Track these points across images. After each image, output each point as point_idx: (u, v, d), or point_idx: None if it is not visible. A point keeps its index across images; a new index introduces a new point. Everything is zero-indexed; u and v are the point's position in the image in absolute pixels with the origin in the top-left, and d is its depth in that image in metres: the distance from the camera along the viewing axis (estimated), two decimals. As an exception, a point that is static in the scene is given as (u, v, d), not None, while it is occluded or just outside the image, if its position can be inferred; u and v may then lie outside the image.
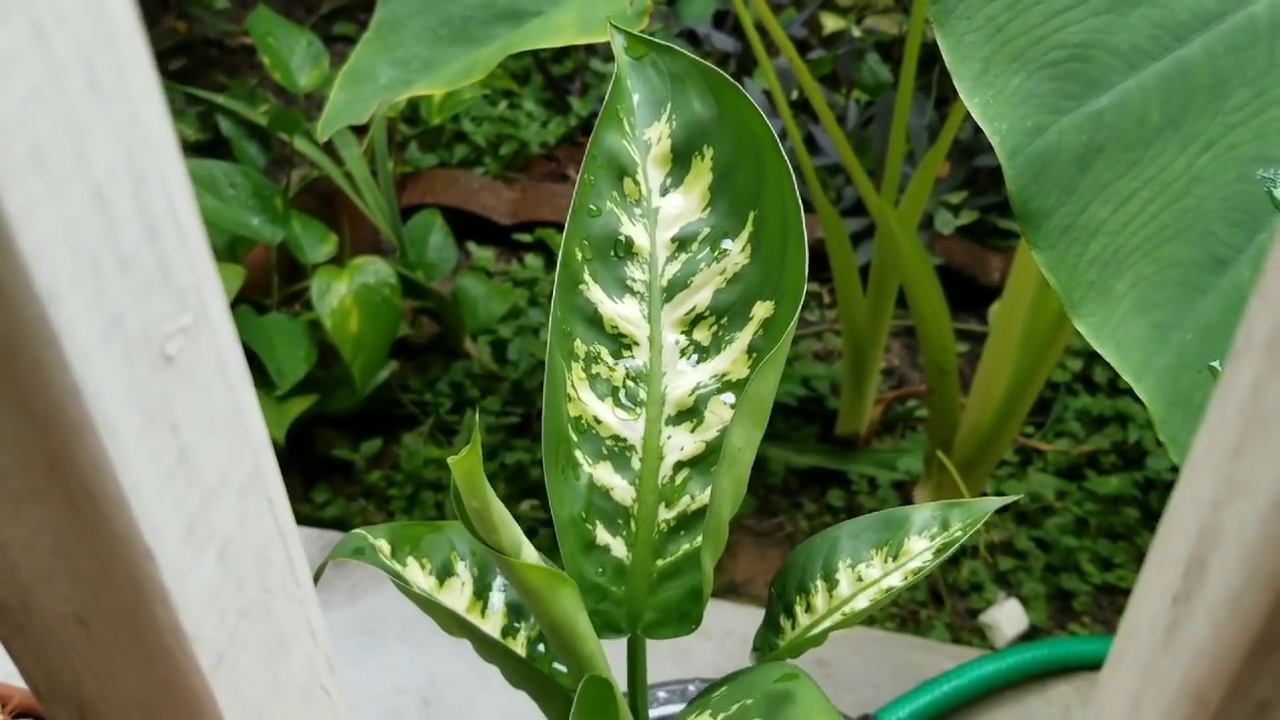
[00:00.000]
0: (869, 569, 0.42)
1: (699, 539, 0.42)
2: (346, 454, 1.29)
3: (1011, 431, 1.18)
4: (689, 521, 0.43)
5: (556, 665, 0.45)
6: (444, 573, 0.46)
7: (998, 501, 0.43)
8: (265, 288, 1.34)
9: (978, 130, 1.61)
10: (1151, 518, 1.23)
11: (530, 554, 0.37)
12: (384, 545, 0.45)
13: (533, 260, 1.51)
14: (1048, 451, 1.30)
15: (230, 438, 0.20)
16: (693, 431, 0.43)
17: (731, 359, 0.43)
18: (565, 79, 1.77)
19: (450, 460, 0.33)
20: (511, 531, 0.36)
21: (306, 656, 0.24)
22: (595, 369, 0.44)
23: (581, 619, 0.39)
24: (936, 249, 1.48)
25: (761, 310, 0.43)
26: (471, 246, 1.55)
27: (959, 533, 0.41)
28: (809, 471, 1.31)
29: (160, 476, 0.18)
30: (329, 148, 1.46)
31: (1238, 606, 0.16)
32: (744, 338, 0.43)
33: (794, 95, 1.57)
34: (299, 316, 1.30)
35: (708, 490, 0.43)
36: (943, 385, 1.20)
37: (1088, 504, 1.23)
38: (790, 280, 0.42)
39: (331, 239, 1.32)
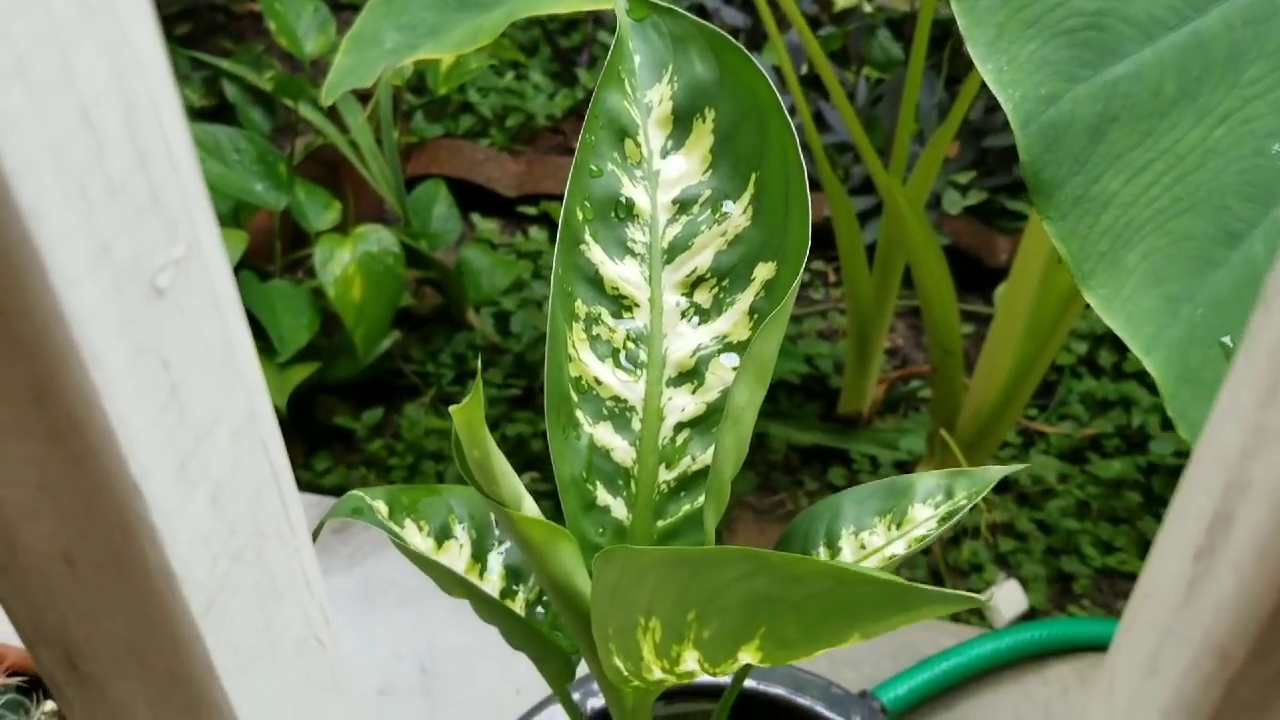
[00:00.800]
0: (872, 536, 0.42)
1: (699, 500, 0.42)
2: (348, 422, 1.29)
3: (1015, 413, 1.17)
4: (690, 483, 0.42)
5: (557, 632, 0.45)
6: (442, 535, 0.46)
7: (1002, 471, 0.43)
8: (268, 254, 1.34)
9: (988, 110, 1.60)
10: (1154, 502, 1.23)
11: (531, 508, 0.36)
12: (381, 506, 0.45)
13: (537, 233, 1.50)
14: (1050, 434, 1.29)
15: (223, 376, 0.20)
16: (694, 393, 0.43)
17: (733, 320, 0.43)
18: (573, 51, 1.76)
19: (452, 409, 0.33)
20: (512, 484, 0.36)
21: (301, 607, 0.24)
22: (596, 330, 0.43)
23: (581, 576, 0.39)
24: (944, 229, 1.47)
25: (763, 272, 0.42)
26: (476, 218, 1.54)
27: (963, 501, 0.41)
28: (811, 449, 1.30)
29: (150, 412, 0.18)
30: (334, 116, 1.45)
31: (1265, 558, 0.15)
32: (745, 299, 0.43)
33: (803, 71, 1.55)
34: (302, 284, 1.30)
35: (709, 452, 0.42)
36: (946, 366, 1.20)
37: (1090, 487, 1.23)
38: (792, 242, 0.42)
39: (335, 207, 1.32)
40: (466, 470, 0.36)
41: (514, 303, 1.40)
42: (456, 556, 0.45)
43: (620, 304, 0.44)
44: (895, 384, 1.37)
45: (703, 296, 0.44)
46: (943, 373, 1.20)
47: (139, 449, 0.18)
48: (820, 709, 0.58)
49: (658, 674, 0.36)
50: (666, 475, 0.43)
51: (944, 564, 1.18)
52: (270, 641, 0.23)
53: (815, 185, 1.49)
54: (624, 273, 0.44)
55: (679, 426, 0.43)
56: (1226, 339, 0.43)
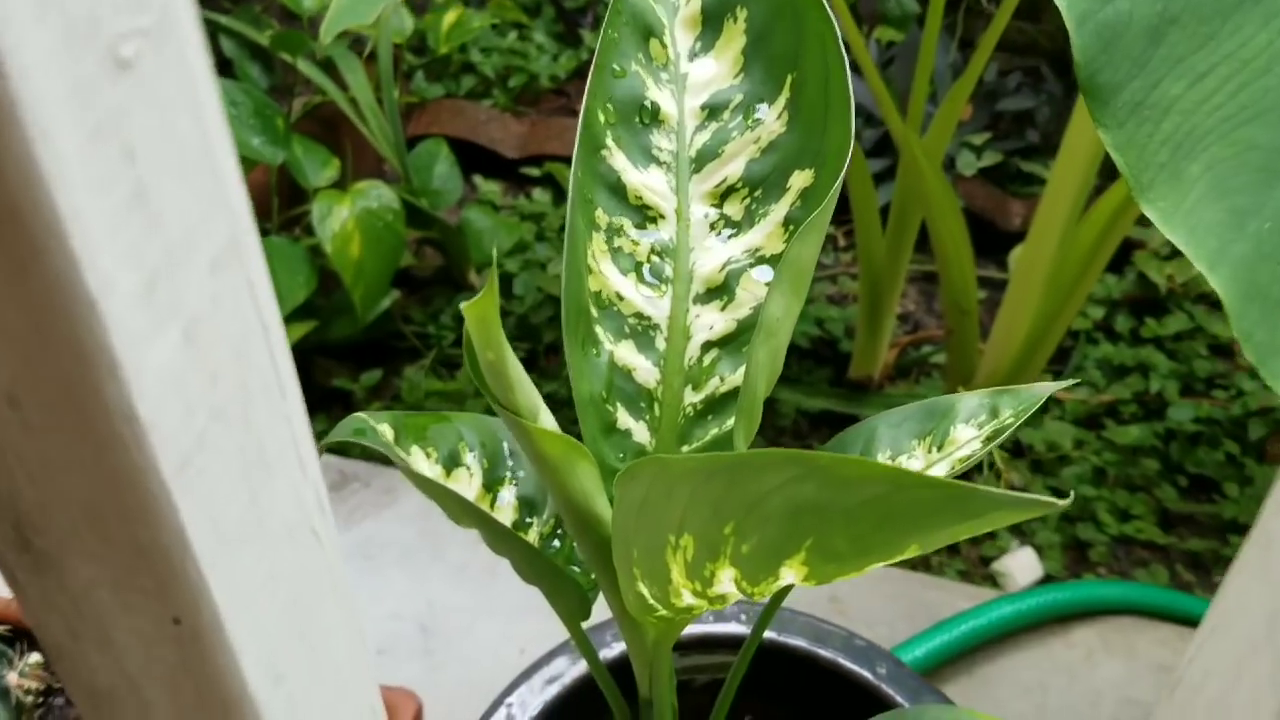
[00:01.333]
0: (910, 460, 0.39)
1: (728, 423, 0.39)
2: (346, 384, 1.26)
3: (1030, 377, 1.14)
4: (717, 405, 0.39)
5: (573, 567, 0.42)
6: (451, 463, 0.43)
7: (1051, 386, 0.39)
8: (265, 210, 1.30)
9: (1001, 73, 1.57)
10: (1172, 469, 1.20)
11: (548, 420, 0.33)
12: (386, 430, 0.42)
13: (540, 194, 1.46)
14: (1066, 400, 1.26)
15: (200, 187, 0.17)
16: (723, 309, 0.40)
17: (766, 233, 0.40)
18: (577, 12, 1.72)
19: (464, 305, 0.29)
20: (529, 394, 0.33)
21: (293, 488, 0.21)
22: (617, 242, 0.40)
23: (601, 502, 0.36)
24: (958, 191, 1.44)
25: (800, 180, 0.39)
26: (478, 180, 1.51)
27: (1010, 419, 0.38)
28: (820, 415, 1.27)
29: (109, 211, 0.15)
30: (333, 73, 1.42)
31: None
32: (780, 210, 0.39)
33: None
34: (299, 241, 1.26)
35: (738, 372, 0.39)
36: (962, 327, 1.17)
37: (1106, 453, 1.20)
38: (833, 145, 0.38)
39: (334, 164, 1.28)
40: (479, 376, 0.33)
41: (517, 264, 1.37)
42: (467, 485, 0.42)
43: (644, 215, 0.40)
44: (907, 348, 1.34)
45: (733, 208, 0.40)
46: (958, 335, 1.17)
47: (96, 256, 0.15)
48: (843, 661, 0.55)
49: (687, 599, 0.33)
50: (693, 397, 0.40)
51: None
52: (257, 522, 0.20)
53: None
54: (649, 181, 0.40)
55: (707, 345, 0.40)
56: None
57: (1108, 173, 1.14)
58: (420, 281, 1.40)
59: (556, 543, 0.43)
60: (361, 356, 1.30)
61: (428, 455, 0.42)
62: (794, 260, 0.35)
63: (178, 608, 0.18)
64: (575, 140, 0.39)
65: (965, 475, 1.00)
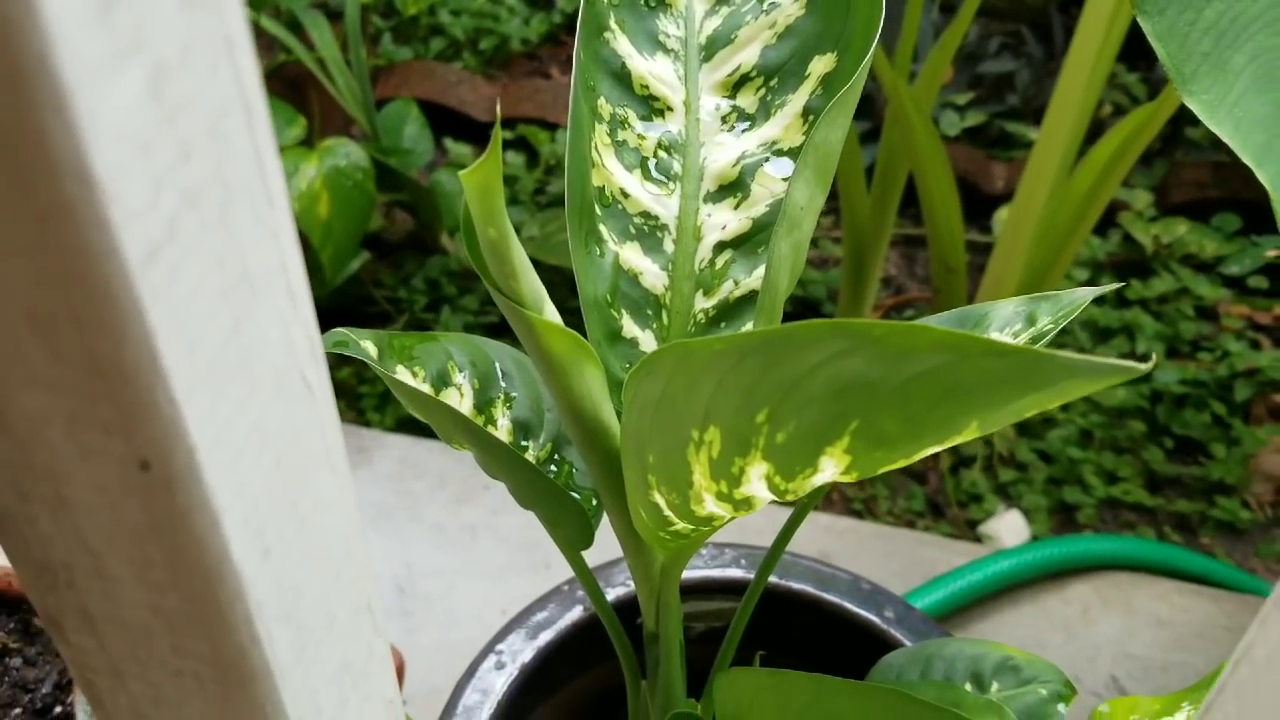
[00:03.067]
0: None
1: (743, 330, 0.36)
2: (315, 350, 1.21)
3: (1016, 338, 1.12)
4: (731, 311, 0.36)
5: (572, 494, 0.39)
6: (440, 383, 0.39)
7: (1093, 291, 0.37)
8: (229, 172, 1.26)
9: (982, 36, 1.55)
10: (1158, 431, 1.18)
11: (553, 315, 0.30)
12: (370, 348, 0.39)
13: (513, 157, 1.43)
14: (1051, 363, 1.24)
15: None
16: (737, 208, 0.37)
17: (783, 124, 0.36)
18: (550, -26, 1.68)
19: (463, 174, 0.26)
20: (533, 282, 0.29)
21: (282, 323, 0.17)
22: (622, 135, 0.37)
23: (607, 409, 0.33)
24: (938, 154, 1.41)
25: (820, 65, 0.36)
26: (449, 143, 1.47)
27: (1049, 326, 0.35)
28: (803, 378, 1.24)
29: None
30: (299, 33, 1.37)
31: None
32: (798, 99, 0.36)
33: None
34: (265, 202, 1.22)
35: (753, 274, 0.36)
36: (949, 286, 1.14)
37: (1093, 415, 1.18)
38: (859, 24, 0.35)
39: (300, 122, 1.24)
40: (478, 260, 0.29)
41: (490, 228, 1.33)
42: (457, 406, 0.39)
43: (650, 106, 0.37)
44: (890, 312, 1.32)
45: (747, 99, 0.37)
46: (945, 293, 1.15)
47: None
48: (849, 605, 0.52)
49: (709, 505, 0.30)
50: (704, 303, 0.37)
51: (943, 493, 1.13)
52: (240, 357, 0.16)
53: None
54: (655, 70, 0.37)
55: (719, 246, 0.37)
56: (1347, 149, 0.38)
57: (1094, 134, 1.12)
58: (391, 245, 1.36)
59: (554, 468, 0.40)
60: (330, 321, 1.26)
61: (414, 375, 0.39)
62: (819, 145, 0.32)
63: (146, 448, 0.15)
64: (579, 19, 0.35)
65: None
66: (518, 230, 1.33)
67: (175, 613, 0.18)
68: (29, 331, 0.14)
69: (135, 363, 0.14)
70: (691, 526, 0.32)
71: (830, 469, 0.27)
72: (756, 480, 0.28)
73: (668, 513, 0.31)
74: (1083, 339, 1.25)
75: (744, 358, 0.26)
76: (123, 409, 0.15)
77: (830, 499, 1.12)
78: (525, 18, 1.61)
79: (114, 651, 0.19)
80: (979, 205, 1.40)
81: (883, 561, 0.82)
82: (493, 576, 0.79)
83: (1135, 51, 1.47)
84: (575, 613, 0.51)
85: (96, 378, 0.14)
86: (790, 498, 0.28)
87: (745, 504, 0.29)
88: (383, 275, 1.31)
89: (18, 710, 0.57)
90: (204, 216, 0.15)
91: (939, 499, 1.13)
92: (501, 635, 0.50)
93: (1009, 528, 1.09)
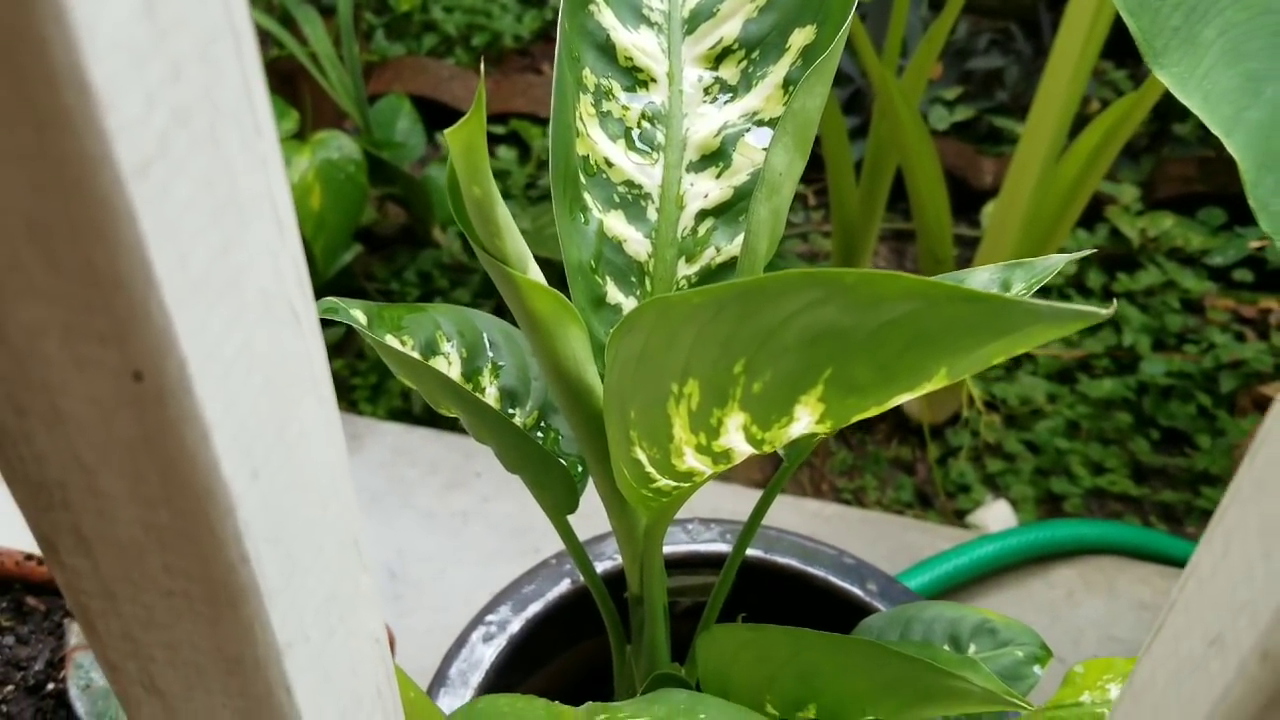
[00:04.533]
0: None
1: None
2: (307, 342, 1.22)
3: (1004, 330, 1.13)
4: (713, 277, 0.37)
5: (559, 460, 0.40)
6: (428, 351, 0.40)
7: (1065, 258, 0.37)
8: (221, 165, 1.26)
9: (972, 33, 1.56)
10: (1144, 423, 1.19)
11: (537, 274, 0.31)
12: (359, 316, 0.39)
13: (505, 152, 1.43)
14: (1039, 355, 1.26)
15: None
16: (718, 177, 0.37)
17: (764, 95, 0.37)
18: (542, -28, 1.69)
19: (448, 132, 0.27)
20: (517, 242, 0.30)
21: (270, 250, 0.18)
22: (606, 105, 0.37)
23: (591, 371, 0.34)
24: (927, 150, 1.42)
25: (800, 37, 0.37)
26: (441, 137, 1.47)
27: (1022, 290, 0.36)
28: (792, 371, 1.25)
29: None
30: (292, 28, 1.38)
31: None
32: (779, 71, 0.37)
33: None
34: (257, 195, 1.22)
35: (735, 241, 0.37)
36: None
37: (1079, 407, 1.19)
38: (838, -3, 0.36)
39: (292, 115, 1.24)
40: (464, 220, 0.30)
41: (482, 221, 1.34)
42: (445, 372, 0.39)
43: (634, 78, 0.38)
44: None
45: (729, 71, 0.38)
46: (931, 287, 1.16)
47: None
48: (833, 579, 0.53)
49: (689, 459, 0.30)
50: (686, 270, 0.37)
51: (931, 484, 1.14)
52: (230, 277, 0.17)
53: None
54: (639, 42, 0.38)
55: (701, 215, 0.37)
56: (1315, 121, 0.39)
57: (1081, 129, 1.13)
58: (383, 239, 1.37)
59: (540, 435, 0.41)
60: (323, 314, 1.27)
61: (403, 344, 0.40)
62: (798, 112, 0.33)
63: (139, 358, 0.16)
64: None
65: (939, 431, 0.99)
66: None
67: (166, 529, 0.18)
68: (27, 240, 0.15)
69: (129, 271, 0.15)
70: (673, 483, 0.32)
71: (805, 418, 0.27)
72: (734, 431, 0.29)
73: (649, 469, 0.32)
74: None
75: (721, 309, 0.26)
76: (117, 319, 0.15)
77: (820, 489, 1.13)
78: (517, 14, 1.62)
79: (107, 572, 0.19)
80: (968, 200, 1.41)
81: (870, 546, 0.83)
82: (483, 561, 0.80)
83: (1123, 48, 1.48)
84: (563, 586, 0.51)
85: (92, 286, 0.15)
86: (768, 449, 0.29)
87: (724, 457, 0.30)
88: (375, 268, 1.32)
89: (10, 688, 0.58)
90: (193, 135, 0.16)
91: (927, 489, 1.14)
92: (490, 607, 0.50)
93: (996, 517, 1.10)
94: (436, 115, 1.48)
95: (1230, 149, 0.38)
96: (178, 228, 0.16)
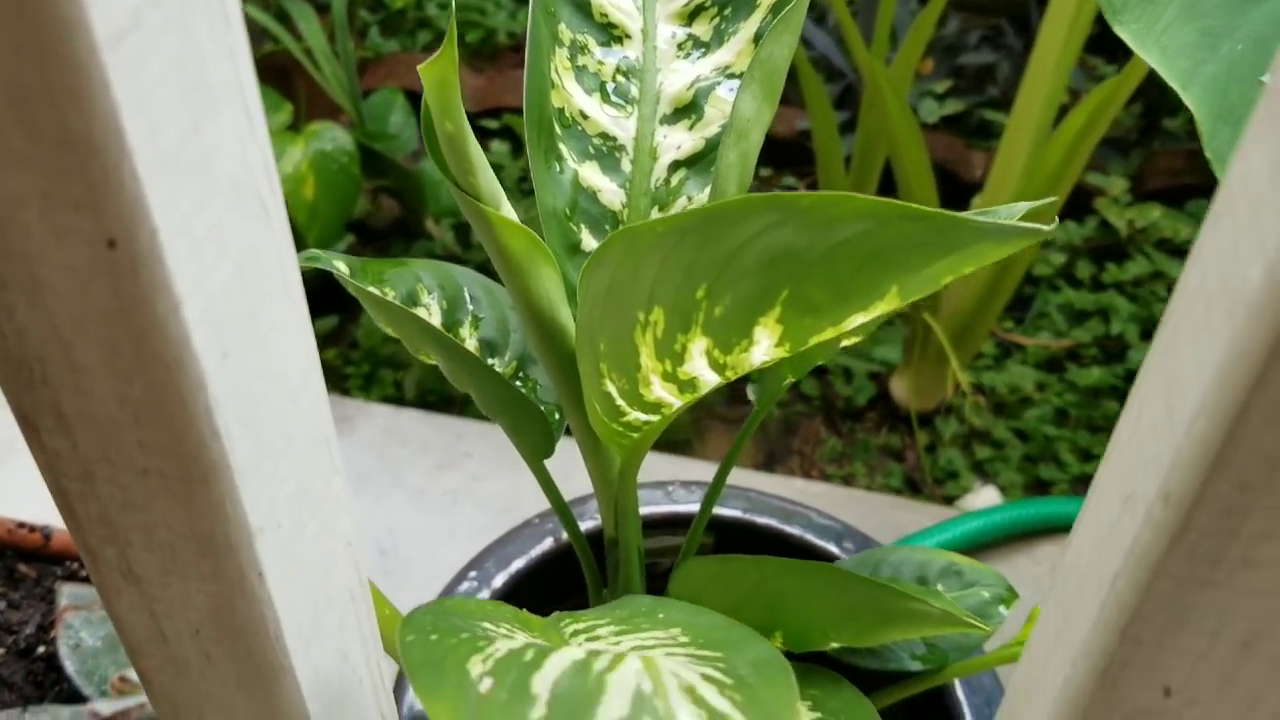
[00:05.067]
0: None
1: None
2: (301, 331, 1.23)
3: (989, 322, 1.14)
4: (686, 224, 0.38)
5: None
6: (409, 302, 0.41)
7: (1022, 207, 0.38)
8: (217, 157, 1.27)
9: (963, 29, 1.57)
10: (1131, 411, 1.20)
11: (509, 212, 0.32)
12: (342, 267, 0.40)
13: (499, 146, 1.45)
14: (1028, 345, 1.27)
15: None
16: (691, 129, 0.38)
17: (736, 50, 0.38)
18: (536, -29, 1.70)
19: (420, 67, 0.28)
20: (490, 179, 0.31)
21: (239, 140, 0.19)
22: (581, 60, 0.38)
23: (564, 311, 0.35)
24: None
25: (771, -6, 0.38)
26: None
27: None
28: (783, 360, 1.26)
29: None
30: (286, 22, 1.39)
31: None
32: (750, 26, 0.38)
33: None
34: (253, 186, 1.23)
35: (706, 191, 0.38)
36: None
37: (1068, 395, 1.20)
38: (806, -49, 0.37)
39: (286, 108, 1.26)
40: (437, 156, 0.31)
41: (476, 214, 1.35)
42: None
43: (609, 33, 0.39)
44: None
45: (702, 27, 0.39)
46: (919, 276, 1.17)
47: None
48: (810, 537, 0.54)
49: (657, 389, 0.31)
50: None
51: (920, 471, 1.15)
52: (200, 157, 0.18)
53: (796, 99, 1.44)
54: (612, -2, 0.39)
55: (674, 166, 0.39)
56: (1266, 77, 0.40)
57: (1060, 119, 1.14)
58: (377, 232, 1.38)
59: (519, 384, 0.42)
60: (316, 303, 1.28)
61: (384, 294, 0.41)
62: (765, 59, 0.34)
63: (113, 225, 0.17)
64: (538, -54, 0.37)
65: (927, 419, 0.99)
66: (503, 216, 1.35)
67: (141, 404, 0.19)
68: (7, 107, 0.16)
69: (103, 137, 0.16)
70: (642, 416, 0.33)
71: (765, 341, 0.28)
72: (698, 357, 0.30)
73: (619, 401, 0.33)
74: (1059, 322, 1.27)
75: (684, 236, 0.28)
76: (92, 185, 0.17)
77: (809, 475, 1.14)
78: (511, 11, 1.63)
79: (85, 452, 0.20)
80: (958, 193, 1.42)
81: (856, 523, 0.84)
82: (473, 539, 0.81)
83: (1111, 42, 1.50)
84: (546, 544, 0.52)
85: (68, 152, 0.16)
86: (730, 375, 0.30)
87: (690, 386, 0.31)
88: (369, 260, 1.33)
89: (1, 651, 0.59)
90: (165, 15, 0.17)
91: (916, 476, 1.15)
92: (475, 563, 0.51)
93: (985, 503, 1.10)
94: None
95: (1187, 101, 0.40)
96: (149, 100, 0.17)
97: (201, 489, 0.20)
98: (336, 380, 1.19)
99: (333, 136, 1.19)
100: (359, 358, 1.21)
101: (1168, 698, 0.19)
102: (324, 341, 1.23)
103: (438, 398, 1.15)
